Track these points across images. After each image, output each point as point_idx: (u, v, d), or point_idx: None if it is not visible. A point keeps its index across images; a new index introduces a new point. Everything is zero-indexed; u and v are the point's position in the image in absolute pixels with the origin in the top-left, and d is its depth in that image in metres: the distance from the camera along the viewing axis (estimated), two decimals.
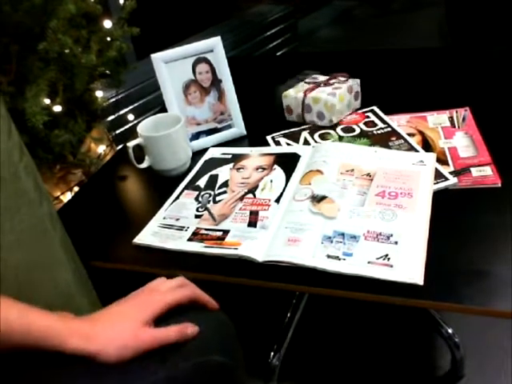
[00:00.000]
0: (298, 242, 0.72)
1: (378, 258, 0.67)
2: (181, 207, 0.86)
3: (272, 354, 1.19)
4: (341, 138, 0.98)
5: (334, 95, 1.01)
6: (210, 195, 0.88)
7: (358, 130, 0.99)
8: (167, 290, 0.61)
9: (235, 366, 0.65)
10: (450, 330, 1.19)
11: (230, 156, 0.99)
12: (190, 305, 0.64)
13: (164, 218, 0.84)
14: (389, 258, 0.67)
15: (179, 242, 0.77)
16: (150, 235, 0.80)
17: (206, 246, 0.75)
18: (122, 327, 0.55)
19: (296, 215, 0.77)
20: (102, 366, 0.55)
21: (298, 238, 0.73)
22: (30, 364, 0.57)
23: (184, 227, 0.81)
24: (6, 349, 0.53)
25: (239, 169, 0.94)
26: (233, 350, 0.66)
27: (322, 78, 1.11)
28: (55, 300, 0.68)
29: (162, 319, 0.59)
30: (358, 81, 1.08)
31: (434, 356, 1.23)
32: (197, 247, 0.76)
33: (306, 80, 1.11)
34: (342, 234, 0.72)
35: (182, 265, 0.75)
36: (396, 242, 0.69)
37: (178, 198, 0.89)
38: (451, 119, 0.97)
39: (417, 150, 0.89)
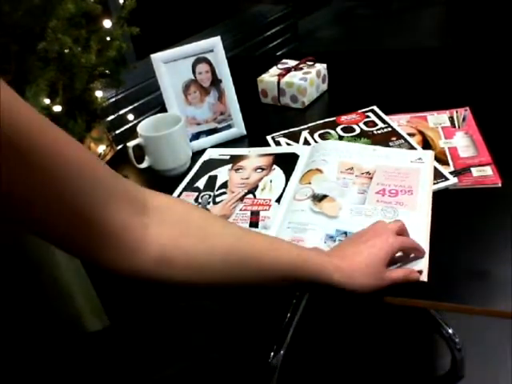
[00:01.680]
0: (301, 242, 0.72)
1: None
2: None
3: (272, 354, 1.19)
4: (341, 138, 0.98)
5: (305, 80, 1.11)
6: (210, 196, 0.88)
7: (358, 130, 0.99)
8: (391, 235, 0.64)
9: (236, 366, 0.65)
10: (450, 330, 1.19)
11: (228, 157, 0.99)
12: (192, 305, 0.64)
13: None
14: None
15: None
16: None
17: None
18: (371, 268, 0.61)
19: (298, 215, 0.77)
20: (105, 364, 0.55)
21: (301, 237, 0.72)
22: (32, 363, 0.57)
23: None
24: (284, 283, 0.59)
25: (238, 169, 0.93)
26: (234, 349, 0.66)
27: (291, 63, 1.20)
28: (55, 300, 0.68)
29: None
30: (325, 65, 1.18)
31: (434, 356, 1.23)
32: None
33: (278, 65, 1.20)
34: (345, 233, 0.72)
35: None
36: None
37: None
38: (451, 119, 0.97)
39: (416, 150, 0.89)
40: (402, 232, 0.66)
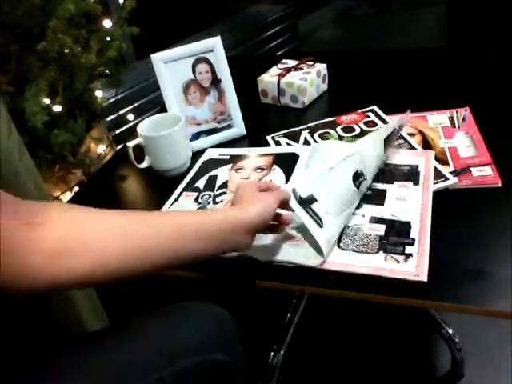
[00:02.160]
0: (303, 241, 0.72)
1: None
2: (180, 208, 0.86)
3: (272, 354, 1.19)
4: (341, 138, 0.98)
5: (305, 80, 1.11)
6: (210, 196, 0.88)
7: (358, 130, 0.99)
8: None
9: (236, 365, 0.65)
10: (450, 330, 1.19)
11: (228, 157, 0.98)
12: (193, 304, 0.64)
13: None
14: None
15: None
16: None
17: None
18: (258, 204, 0.65)
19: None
20: (105, 363, 0.55)
21: (303, 237, 0.73)
22: (32, 363, 0.57)
23: None
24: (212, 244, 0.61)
25: (238, 169, 0.93)
26: (234, 348, 0.66)
27: (291, 63, 1.20)
28: (56, 301, 0.68)
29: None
30: (325, 65, 1.18)
31: (433, 356, 1.23)
32: None
33: (278, 65, 1.20)
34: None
35: (182, 265, 0.75)
36: None
37: (177, 199, 0.89)
38: (451, 119, 0.97)
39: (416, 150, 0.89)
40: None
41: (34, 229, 0.48)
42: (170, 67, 1.01)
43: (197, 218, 0.62)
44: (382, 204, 0.77)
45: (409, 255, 0.67)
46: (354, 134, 0.98)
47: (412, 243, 0.69)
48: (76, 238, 0.50)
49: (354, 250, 0.70)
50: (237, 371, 0.66)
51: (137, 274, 0.54)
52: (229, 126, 1.07)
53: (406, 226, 0.72)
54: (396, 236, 0.71)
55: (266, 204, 0.65)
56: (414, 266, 0.65)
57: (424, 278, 0.63)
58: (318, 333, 1.34)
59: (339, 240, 0.72)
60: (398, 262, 0.67)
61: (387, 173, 0.83)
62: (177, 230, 0.58)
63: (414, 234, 0.70)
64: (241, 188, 0.70)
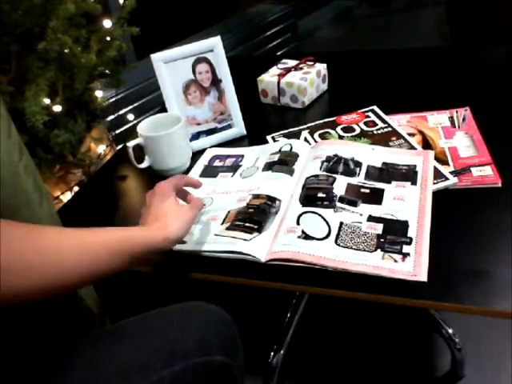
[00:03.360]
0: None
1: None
2: None
3: (272, 354, 1.19)
4: (341, 138, 0.98)
5: (306, 80, 1.11)
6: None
7: (358, 130, 0.99)
8: (164, 182, 0.75)
9: (236, 366, 0.65)
10: (450, 330, 1.19)
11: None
12: (193, 305, 0.64)
13: None
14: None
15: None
16: None
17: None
18: (175, 216, 0.70)
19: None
20: (106, 363, 0.55)
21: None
22: (31, 364, 0.57)
23: None
24: (119, 263, 0.60)
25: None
26: (234, 349, 0.66)
27: (291, 63, 1.20)
28: (56, 300, 0.68)
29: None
30: (325, 65, 1.18)
31: (433, 356, 1.23)
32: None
33: (278, 65, 1.20)
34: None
35: (182, 265, 0.75)
36: None
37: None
38: (451, 119, 0.97)
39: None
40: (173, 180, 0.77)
41: None
42: (170, 67, 1.01)
43: (112, 237, 0.61)
44: (380, 203, 0.77)
45: (406, 254, 0.67)
46: (354, 133, 0.98)
47: (409, 242, 0.69)
48: (11, 252, 0.48)
49: (351, 248, 0.70)
50: (236, 372, 0.66)
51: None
52: (229, 126, 1.07)
53: (403, 225, 0.72)
54: (393, 235, 0.71)
55: (187, 218, 0.71)
56: (412, 266, 0.65)
57: (421, 277, 0.64)
58: (317, 333, 1.34)
59: (336, 236, 0.72)
60: (396, 261, 0.67)
61: (385, 172, 0.84)
62: (92, 256, 0.57)
63: (411, 233, 0.71)
64: (159, 197, 0.72)
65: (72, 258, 0.54)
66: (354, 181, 0.82)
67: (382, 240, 0.70)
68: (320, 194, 0.80)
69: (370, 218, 0.75)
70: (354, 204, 0.77)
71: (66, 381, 0.56)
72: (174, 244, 0.69)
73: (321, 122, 1.05)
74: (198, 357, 0.60)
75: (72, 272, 0.54)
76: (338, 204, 0.78)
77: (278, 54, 2.94)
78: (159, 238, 0.66)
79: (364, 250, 0.69)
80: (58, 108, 1.29)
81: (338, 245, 0.71)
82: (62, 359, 0.58)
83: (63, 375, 0.56)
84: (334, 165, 0.86)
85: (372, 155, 0.88)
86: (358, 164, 0.86)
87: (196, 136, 1.05)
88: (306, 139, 1.00)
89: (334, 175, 0.84)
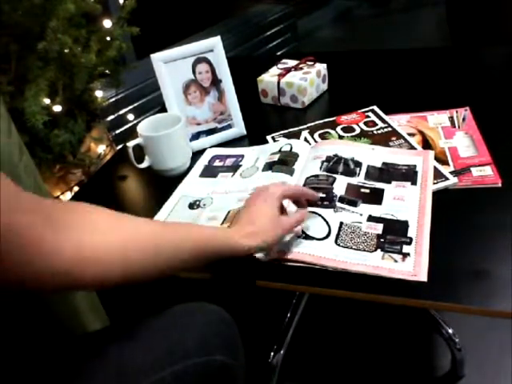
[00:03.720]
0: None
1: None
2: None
3: (272, 354, 1.19)
4: (341, 138, 0.98)
5: (306, 80, 1.11)
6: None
7: (358, 130, 0.99)
8: (277, 186, 0.74)
9: (236, 366, 0.65)
10: (450, 330, 1.19)
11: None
12: (197, 306, 0.64)
13: None
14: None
15: None
16: None
17: None
18: (271, 222, 0.68)
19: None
20: (106, 363, 0.55)
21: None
22: (30, 363, 0.57)
23: None
24: (200, 260, 0.62)
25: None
26: (234, 349, 0.66)
27: (291, 63, 1.20)
28: (55, 300, 0.68)
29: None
30: (325, 65, 1.18)
31: (433, 356, 1.23)
32: None
33: (278, 65, 1.20)
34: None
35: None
36: None
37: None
38: (451, 119, 0.97)
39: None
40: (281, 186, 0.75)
41: (57, 229, 0.47)
42: (170, 67, 1.01)
43: (202, 239, 0.63)
44: (380, 203, 0.77)
45: (406, 254, 0.67)
46: (354, 133, 0.98)
47: (409, 242, 0.69)
48: (100, 245, 0.50)
49: (351, 248, 0.70)
50: (237, 372, 0.66)
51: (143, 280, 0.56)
52: (229, 126, 1.07)
53: (403, 225, 0.72)
54: (393, 235, 0.71)
55: (281, 230, 0.69)
56: (412, 266, 0.65)
57: (421, 277, 0.64)
58: (318, 333, 1.34)
59: (336, 236, 0.72)
60: (396, 261, 0.67)
61: (385, 173, 0.84)
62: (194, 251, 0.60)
63: (411, 233, 0.71)
64: (263, 198, 0.71)
65: (169, 256, 0.58)
66: (354, 181, 0.82)
67: (381, 240, 0.70)
68: (320, 194, 0.80)
69: (370, 218, 0.75)
70: (354, 204, 0.77)
71: (66, 381, 0.56)
72: (257, 252, 0.69)
73: (321, 122, 1.05)
74: (198, 357, 0.60)
75: (162, 268, 0.57)
76: (338, 204, 0.78)
77: (278, 54, 2.94)
78: (245, 245, 0.65)
79: (364, 250, 0.69)
80: (58, 108, 1.29)
81: (338, 245, 0.71)
82: (61, 360, 0.58)
83: (63, 376, 0.56)
84: (334, 165, 0.86)
85: (372, 155, 0.88)
86: (358, 164, 0.86)
87: (196, 136, 1.05)
88: (306, 139, 1.00)
89: (334, 175, 0.84)
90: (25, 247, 0.44)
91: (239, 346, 0.68)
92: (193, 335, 0.62)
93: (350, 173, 0.84)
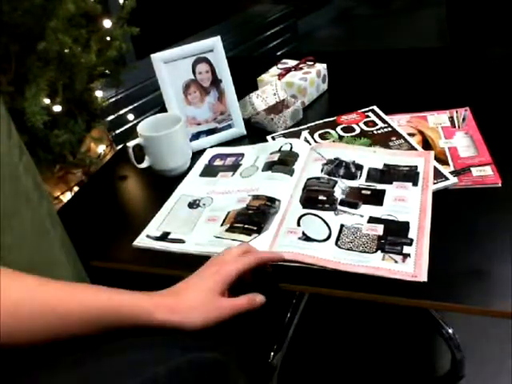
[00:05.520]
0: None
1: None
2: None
3: (272, 354, 1.19)
4: (341, 138, 0.98)
5: (306, 80, 1.11)
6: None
7: (358, 130, 0.99)
8: (233, 259, 0.65)
9: (229, 362, 0.65)
10: (450, 330, 1.19)
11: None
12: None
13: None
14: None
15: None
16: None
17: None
18: (202, 298, 0.59)
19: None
20: (99, 361, 0.55)
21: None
22: (30, 363, 0.56)
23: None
24: (98, 331, 0.56)
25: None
26: (227, 345, 0.66)
27: (291, 63, 1.20)
28: None
29: None
30: (325, 65, 1.18)
31: (434, 356, 1.23)
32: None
33: (278, 65, 1.20)
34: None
35: (183, 265, 0.75)
36: None
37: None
38: (451, 119, 0.97)
39: (416, 150, 0.89)
40: (247, 252, 0.67)
41: None
42: (170, 67, 1.01)
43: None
44: (381, 204, 0.77)
45: (407, 255, 0.67)
46: (354, 133, 0.98)
47: (410, 243, 0.69)
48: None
49: (351, 249, 0.70)
50: (229, 369, 0.65)
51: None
52: (229, 126, 1.07)
53: (404, 226, 0.72)
54: (394, 236, 0.71)
55: (214, 315, 0.59)
56: (412, 267, 0.65)
57: (421, 279, 0.64)
58: (318, 333, 1.34)
59: (337, 238, 0.72)
60: (396, 261, 0.67)
61: (386, 173, 0.83)
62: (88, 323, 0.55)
63: (412, 234, 0.71)
64: (213, 261, 0.64)
65: (56, 327, 0.53)
66: (355, 184, 0.82)
67: (382, 241, 0.70)
68: (321, 197, 0.80)
69: (371, 220, 0.74)
70: (354, 206, 0.77)
71: (60, 377, 0.56)
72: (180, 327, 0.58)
73: (321, 121, 1.05)
74: (190, 353, 0.60)
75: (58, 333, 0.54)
76: (339, 207, 0.78)
77: (278, 54, 2.94)
78: (160, 320, 0.57)
79: (364, 252, 0.69)
80: (58, 108, 1.29)
81: (339, 247, 0.71)
82: (55, 355, 0.58)
83: (56, 372, 0.56)
84: (335, 168, 0.86)
85: (373, 157, 0.88)
86: (359, 167, 0.86)
87: (196, 136, 1.05)
88: (306, 139, 1.00)
89: (335, 178, 0.84)
90: None
91: (232, 343, 0.67)
92: (191, 335, 0.62)
93: (351, 176, 0.84)
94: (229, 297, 0.63)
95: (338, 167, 0.86)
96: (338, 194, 0.80)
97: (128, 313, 0.56)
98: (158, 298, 0.59)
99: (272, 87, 1.07)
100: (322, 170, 0.86)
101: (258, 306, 0.63)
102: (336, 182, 0.83)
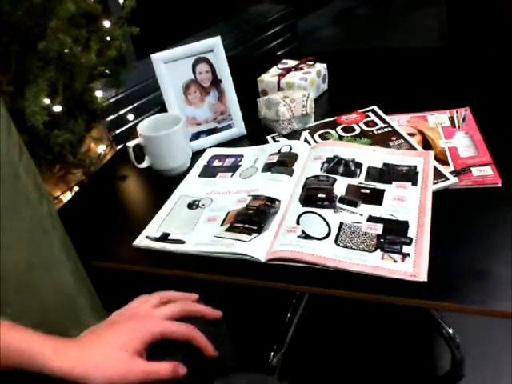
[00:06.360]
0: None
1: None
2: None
3: (272, 354, 1.19)
4: (341, 138, 0.98)
5: (306, 80, 1.11)
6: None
7: (358, 130, 0.99)
8: (152, 313, 0.58)
9: (234, 364, 0.65)
10: (450, 330, 1.19)
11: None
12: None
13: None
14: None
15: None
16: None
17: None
18: (112, 356, 0.52)
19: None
20: None
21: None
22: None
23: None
24: (7, 368, 0.51)
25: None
26: (231, 347, 0.65)
27: (291, 63, 1.20)
28: (55, 300, 0.68)
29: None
30: (325, 65, 1.18)
31: (434, 356, 1.23)
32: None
33: (278, 65, 1.20)
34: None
35: (182, 265, 0.75)
36: None
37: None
38: (451, 119, 0.97)
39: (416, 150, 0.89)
40: (170, 303, 0.60)
41: None
42: (170, 67, 1.01)
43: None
44: (380, 204, 0.77)
45: (406, 255, 0.67)
46: (354, 133, 0.98)
47: (409, 243, 0.69)
48: None
49: (351, 248, 0.70)
50: (236, 371, 0.65)
51: None
52: (229, 126, 1.07)
53: (403, 226, 0.72)
54: (393, 235, 0.71)
55: (124, 376, 0.51)
56: (411, 267, 0.65)
57: (421, 278, 0.64)
58: (318, 333, 1.34)
59: (336, 236, 0.72)
60: (396, 261, 0.67)
61: (386, 173, 0.84)
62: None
63: (411, 233, 0.71)
64: (125, 328, 0.55)
65: None
66: (355, 182, 0.82)
67: (381, 240, 0.70)
68: (320, 195, 0.80)
69: (370, 219, 0.75)
70: (354, 204, 0.77)
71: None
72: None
73: (321, 122, 1.05)
74: (196, 356, 0.59)
75: None
76: (338, 204, 0.78)
77: (278, 54, 2.94)
78: (58, 371, 0.50)
79: (364, 250, 0.69)
80: (58, 108, 1.29)
81: (338, 245, 0.71)
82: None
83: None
84: (335, 166, 0.86)
85: (373, 156, 0.88)
86: (359, 165, 0.86)
87: (196, 136, 1.05)
88: (306, 139, 1.00)
89: (335, 176, 0.84)
90: None
91: (238, 346, 0.67)
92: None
93: (350, 174, 0.84)
94: (147, 359, 0.54)
95: (337, 165, 0.86)
96: (338, 191, 0.80)
97: (18, 354, 0.51)
98: (61, 345, 0.52)
99: (304, 98, 1.02)
100: (321, 169, 0.86)
101: (180, 377, 0.54)
102: (335, 180, 0.83)
